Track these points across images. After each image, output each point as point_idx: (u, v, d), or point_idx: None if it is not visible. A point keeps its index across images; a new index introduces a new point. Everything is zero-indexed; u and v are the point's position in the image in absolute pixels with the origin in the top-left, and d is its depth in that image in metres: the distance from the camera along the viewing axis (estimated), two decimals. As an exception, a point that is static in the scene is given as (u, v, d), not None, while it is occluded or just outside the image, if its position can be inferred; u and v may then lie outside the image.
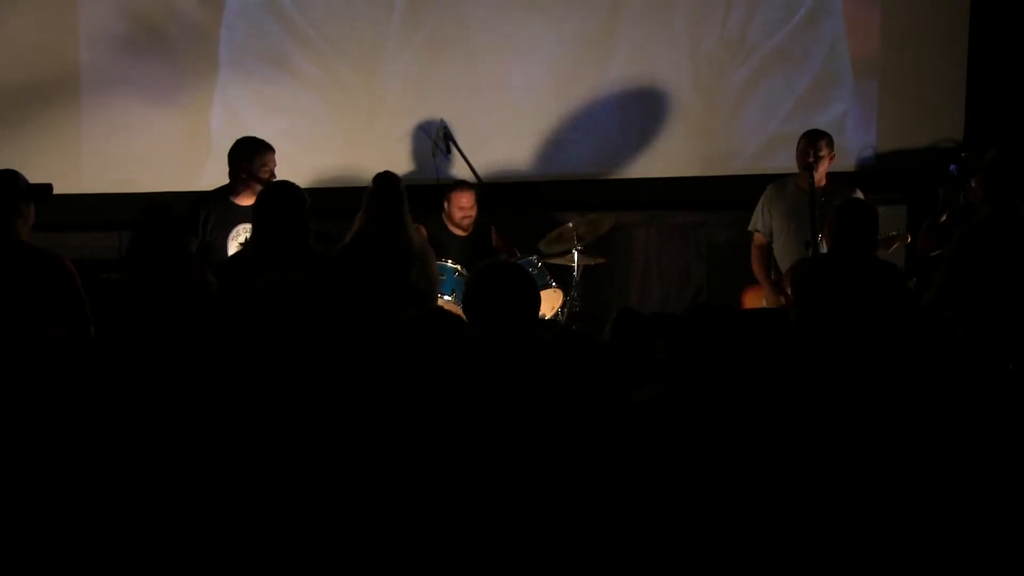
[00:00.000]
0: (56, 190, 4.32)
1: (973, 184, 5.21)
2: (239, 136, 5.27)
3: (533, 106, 6.78)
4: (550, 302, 6.03)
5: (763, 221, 5.77)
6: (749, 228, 5.84)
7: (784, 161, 6.13)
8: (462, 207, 6.12)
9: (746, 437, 2.84)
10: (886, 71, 6.90)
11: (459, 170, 6.54)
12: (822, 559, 2.68)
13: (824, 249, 5.00)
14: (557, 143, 6.83)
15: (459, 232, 6.19)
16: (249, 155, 5.12)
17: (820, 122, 6.14)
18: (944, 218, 5.37)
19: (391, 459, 2.80)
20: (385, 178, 5.06)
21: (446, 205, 6.18)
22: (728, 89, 6.89)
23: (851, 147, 6.90)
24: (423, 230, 5.81)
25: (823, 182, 5.57)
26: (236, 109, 6.53)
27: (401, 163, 6.56)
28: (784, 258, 5.66)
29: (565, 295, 6.18)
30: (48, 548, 2.77)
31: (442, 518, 2.71)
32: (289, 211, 4.42)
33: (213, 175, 5.82)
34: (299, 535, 2.73)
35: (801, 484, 2.79)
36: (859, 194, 5.64)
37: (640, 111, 6.87)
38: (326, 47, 6.59)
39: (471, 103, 6.70)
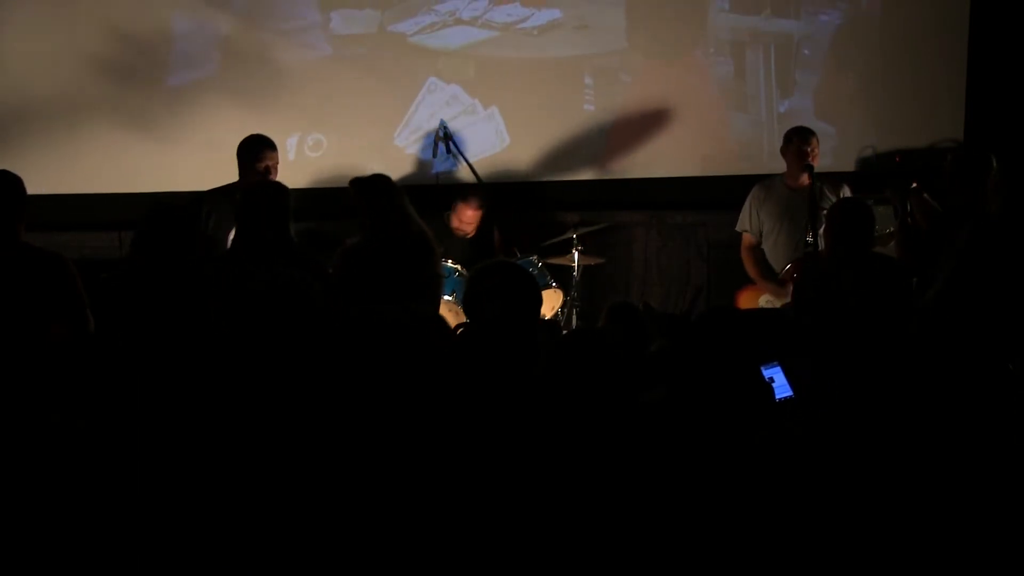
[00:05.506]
0: (56, 190, 4.34)
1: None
2: None
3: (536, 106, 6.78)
4: (550, 302, 6.04)
5: (752, 222, 5.76)
6: (737, 229, 5.83)
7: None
8: (461, 220, 6.14)
9: (752, 437, 2.85)
10: (886, 71, 6.89)
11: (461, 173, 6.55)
12: (827, 558, 2.68)
13: (821, 248, 4.98)
14: (557, 143, 6.84)
15: (462, 233, 6.20)
16: (250, 153, 5.17)
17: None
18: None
19: (388, 458, 2.80)
20: (375, 181, 5.08)
21: (452, 211, 6.18)
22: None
23: (850, 146, 6.90)
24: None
25: (807, 181, 5.54)
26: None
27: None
28: (776, 257, 5.65)
29: (565, 295, 6.19)
30: (48, 549, 2.77)
31: (439, 518, 2.71)
32: (270, 211, 4.49)
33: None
34: (296, 533, 2.73)
35: (804, 484, 2.79)
36: (847, 192, 5.62)
37: (640, 111, 6.87)
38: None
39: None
